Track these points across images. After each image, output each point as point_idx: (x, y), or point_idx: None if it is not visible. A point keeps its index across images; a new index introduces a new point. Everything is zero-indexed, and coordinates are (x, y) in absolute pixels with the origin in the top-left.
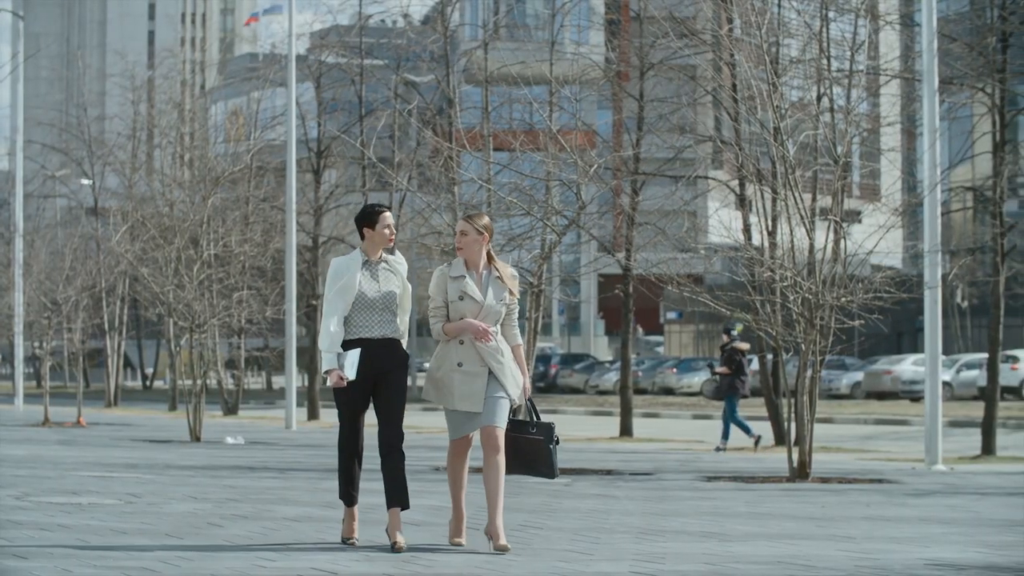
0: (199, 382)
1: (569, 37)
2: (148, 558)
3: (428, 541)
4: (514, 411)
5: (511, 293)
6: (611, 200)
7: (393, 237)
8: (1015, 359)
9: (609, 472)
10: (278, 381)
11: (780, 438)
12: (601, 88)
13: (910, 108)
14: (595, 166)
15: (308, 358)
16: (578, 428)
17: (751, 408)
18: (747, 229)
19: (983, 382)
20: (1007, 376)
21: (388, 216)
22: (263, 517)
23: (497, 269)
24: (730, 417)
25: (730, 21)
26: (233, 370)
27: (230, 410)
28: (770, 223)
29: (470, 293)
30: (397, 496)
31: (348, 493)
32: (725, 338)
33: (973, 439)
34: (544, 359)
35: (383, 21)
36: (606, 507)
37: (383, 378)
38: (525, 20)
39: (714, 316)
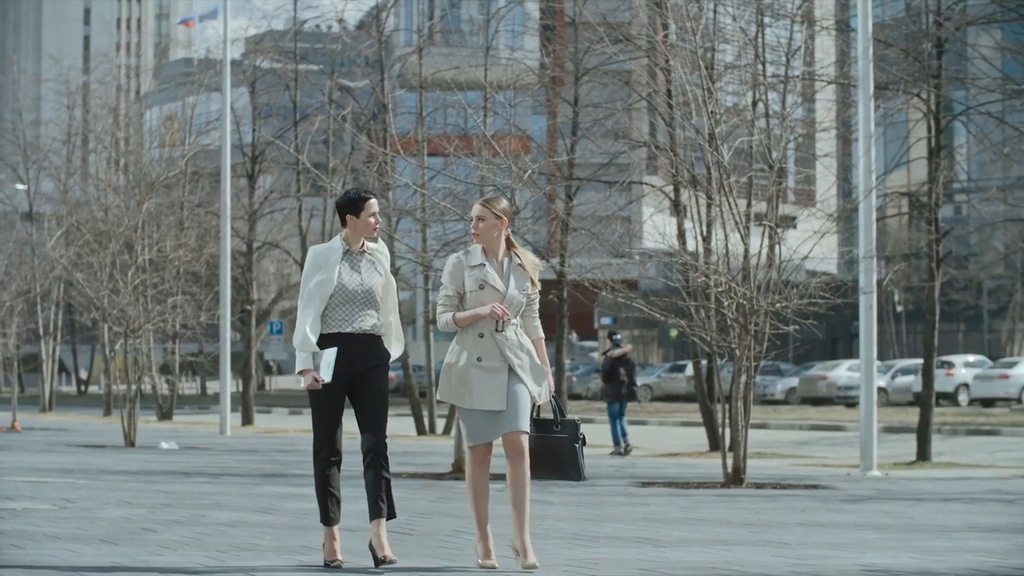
0: (133, 387)
1: (504, 42)
2: (82, 564)
3: (361, 547)
4: (538, 409)
5: (533, 283)
6: (545, 205)
7: (378, 226)
8: (950, 365)
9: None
10: (213, 386)
11: (715, 444)
12: (536, 93)
13: (845, 113)
14: (529, 171)
15: (243, 363)
16: None
17: (686, 413)
18: (682, 235)
19: (918, 388)
20: (942, 382)
21: (374, 203)
22: (197, 522)
23: (518, 256)
24: (617, 421)
25: (665, 27)
26: (168, 375)
27: (165, 415)
28: (705, 228)
29: (491, 282)
30: (383, 506)
31: (328, 511)
32: (608, 343)
33: (908, 445)
34: None
35: (318, 26)
36: (540, 512)
37: (363, 378)
38: (460, 26)
39: (649, 322)
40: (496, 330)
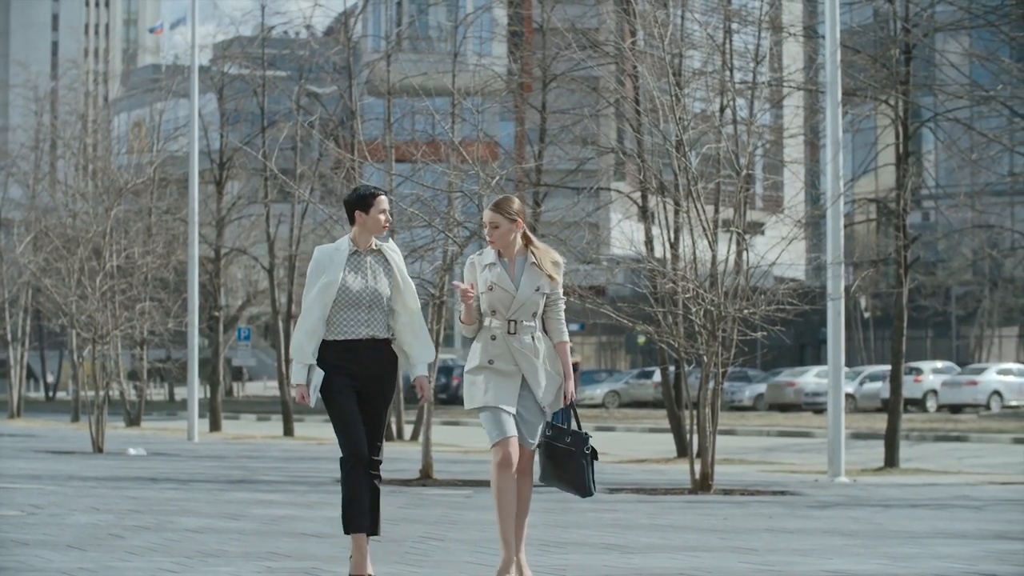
0: (101, 393)
1: (472, 49)
2: (50, 570)
3: (330, 553)
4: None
5: (551, 278)
6: None
7: (388, 224)
8: (918, 371)
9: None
10: (180, 392)
11: (682, 450)
12: (503, 100)
13: (813, 120)
14: (497, 177)
15: (210, 369)
16: (479, 440)
17: (654, 420)
18: (649, 241)
19: (886, 394)
20: (910, 388)
21: (384, 200)
22: (165, 528)
23: (534, 254)
24: None
25: (633, 33)
26: (135, 381)
27: (132, 421)
28: (672, 235)
29: (501, 284)
30: (370, 521)
31: (357, 517)
32: None
33: (876, 451)
34: (446, 371)
35: (286, 32)
36: None
37: (370, 386)
38: (428, 32)
39: (616, 328)
40: (508, 332)
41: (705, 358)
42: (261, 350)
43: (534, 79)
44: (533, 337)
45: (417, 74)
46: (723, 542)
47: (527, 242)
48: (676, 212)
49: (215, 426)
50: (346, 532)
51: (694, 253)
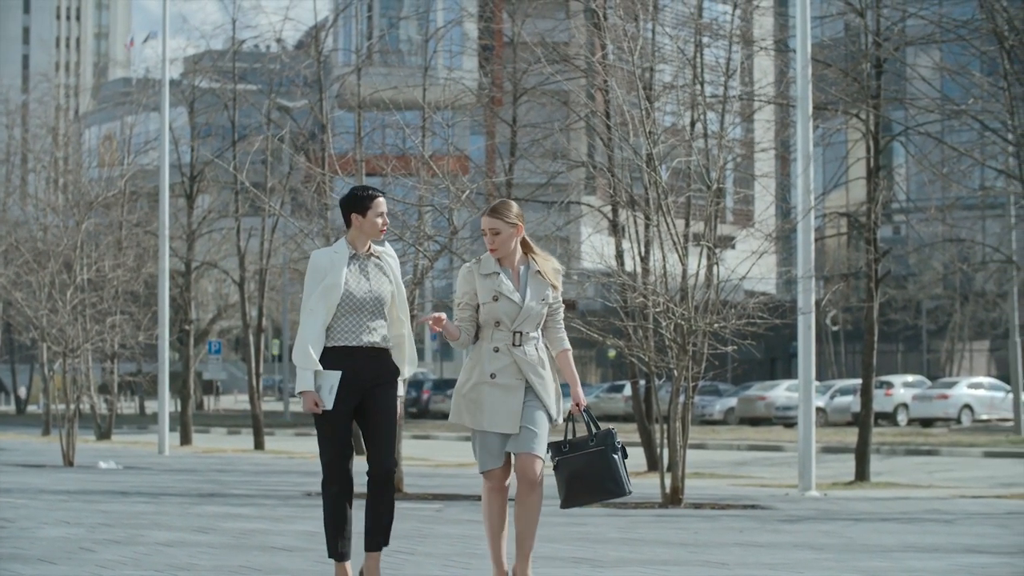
0: (72, 407)
1: (442, 62)
2: None
3: (301, 567)
4: (571, 429)
5: (554, 287)
6: None
7: (386, 227)
8: (889, 385)
9: (481, 497)
10: (151, 406)
11: (653, 464)
12: (474, 113)
13: (784, 134)
14: (467, 191)
15: (181, 383)
16: (450, 454)
17: (624, 433)
18: (620, 255)
19: (857, 408)
20: (881, 402)
21: (382, 202)
22: (136, 542)
23: (536, 261)
24: None
25: (603, 47)
26: (106, 395)
27: (103, 435)
28: (643, 249)
29: (506, 293)
30: (380, 536)
31: (339, 545)
32: None
33: (847, 465)
34: (416, 385)
35: (256, 46)
36: (478, 533)
37: (370, 395)
38: (398, 46)
39: (587, 342)
40: (514, 344)
41: (675, 372)
42: (232, 363)
43: (504, 93)
44: (536, 348)
45: (388, 88)
46: (693, 556)
47: (527, 249)
48: (646, 226)
49: (186, 440)
50: (330, 557)
51: (664, 267)
